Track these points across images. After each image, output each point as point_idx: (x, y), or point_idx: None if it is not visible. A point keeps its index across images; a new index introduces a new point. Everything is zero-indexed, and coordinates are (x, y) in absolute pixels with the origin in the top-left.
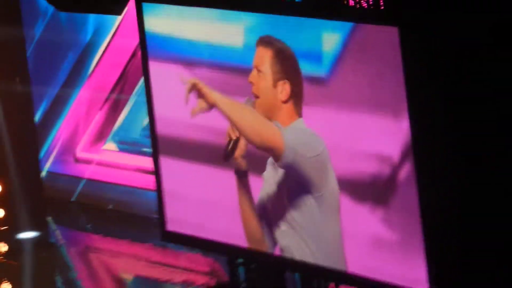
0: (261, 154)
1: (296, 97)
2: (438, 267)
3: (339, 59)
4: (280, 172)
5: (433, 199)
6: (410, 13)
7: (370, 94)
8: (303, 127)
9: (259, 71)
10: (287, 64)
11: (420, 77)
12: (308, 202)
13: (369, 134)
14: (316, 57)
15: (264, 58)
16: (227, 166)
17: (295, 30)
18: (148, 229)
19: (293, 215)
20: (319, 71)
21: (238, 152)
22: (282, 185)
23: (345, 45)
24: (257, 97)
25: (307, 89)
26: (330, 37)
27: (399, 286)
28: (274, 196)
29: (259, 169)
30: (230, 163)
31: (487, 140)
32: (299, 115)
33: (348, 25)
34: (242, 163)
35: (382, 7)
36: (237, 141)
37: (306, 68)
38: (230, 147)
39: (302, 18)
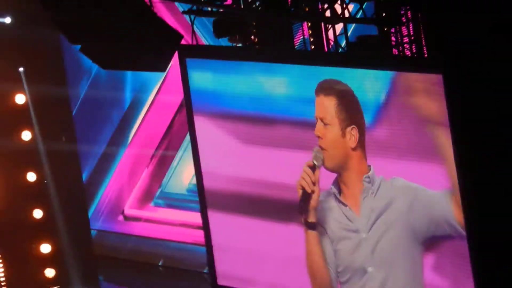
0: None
1: (362, 142)
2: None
3: (383, 107)
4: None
5: (484, 244)
6: (454, 60)
7: (416, 141)
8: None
9: (325, 124)
10: (352, 107)
11: (465, 122)
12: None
13: (417, 181)
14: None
15: (329, 108)
16: (276, 219)
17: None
18: (198, 284)
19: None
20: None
21: (312, 204)
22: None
23: (390, 94)
24: (325, 150)
25: None
26: (374, 85)
27: None
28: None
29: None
30: (296, 215)
31: None
32: (366, 161)
33: (390, 74)
34: (313, 215)
35: (426, 55)
36: (311, 194)
37: None
38: (304, 199)
39: (343, 69)
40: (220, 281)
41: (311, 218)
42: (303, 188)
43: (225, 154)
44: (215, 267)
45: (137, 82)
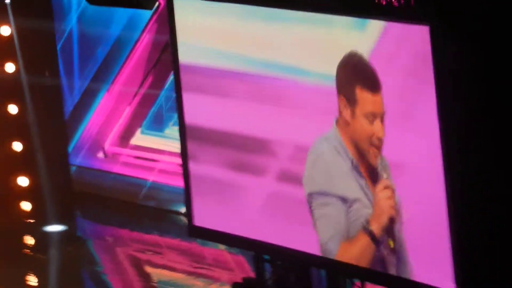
0: None
1: None
2: (464, 266)
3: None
4: None
5: (461, 201)
6: (441, 10)
7: (400, 93)
8: None
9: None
10: None
11: (452, 76)
12: None
13: (398, 136)
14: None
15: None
16: (255, 174)
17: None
18: (175, 224)
19: None
20: None
21: None
22: None
23: (376, 45)
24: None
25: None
26: (360, 36)
27: (425, 285)
28: None
29: None
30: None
31: None
32: None
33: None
34: None
35: (412, 5)
36: None
37: None
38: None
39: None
40: (197, 222)
41: (393, 244)
42: (393, 218)
43: (209, 102)
44: (193, 208)
45: (123, 19)
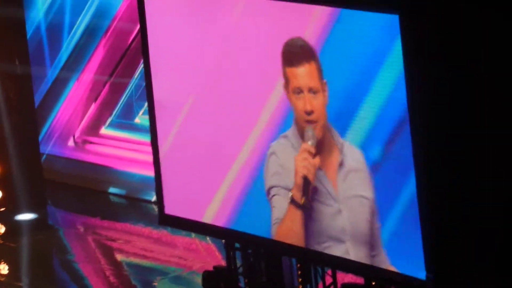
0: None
1: None
2: (435, 254)
3: None
4: None
5: (431, 186)
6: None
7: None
8: None
9: (314, 92)
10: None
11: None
12: None
13: None
14: None
15: (314, 73)
16: (226, 152)
17: None
18: (146, 213)
19: None
20: None
21: (310, 188)
22: None
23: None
24: (317, 121)
25: None
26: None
27: (396, 273)
28: None
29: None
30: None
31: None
32: None
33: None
34: (306, 198)
35: None
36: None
37: None
38: (304, 184)
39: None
40: (168, 211)
41: (303, 201)
42: (306, 177)
43: (179, 85)
44: (164, 197)
45: (96, 7)
